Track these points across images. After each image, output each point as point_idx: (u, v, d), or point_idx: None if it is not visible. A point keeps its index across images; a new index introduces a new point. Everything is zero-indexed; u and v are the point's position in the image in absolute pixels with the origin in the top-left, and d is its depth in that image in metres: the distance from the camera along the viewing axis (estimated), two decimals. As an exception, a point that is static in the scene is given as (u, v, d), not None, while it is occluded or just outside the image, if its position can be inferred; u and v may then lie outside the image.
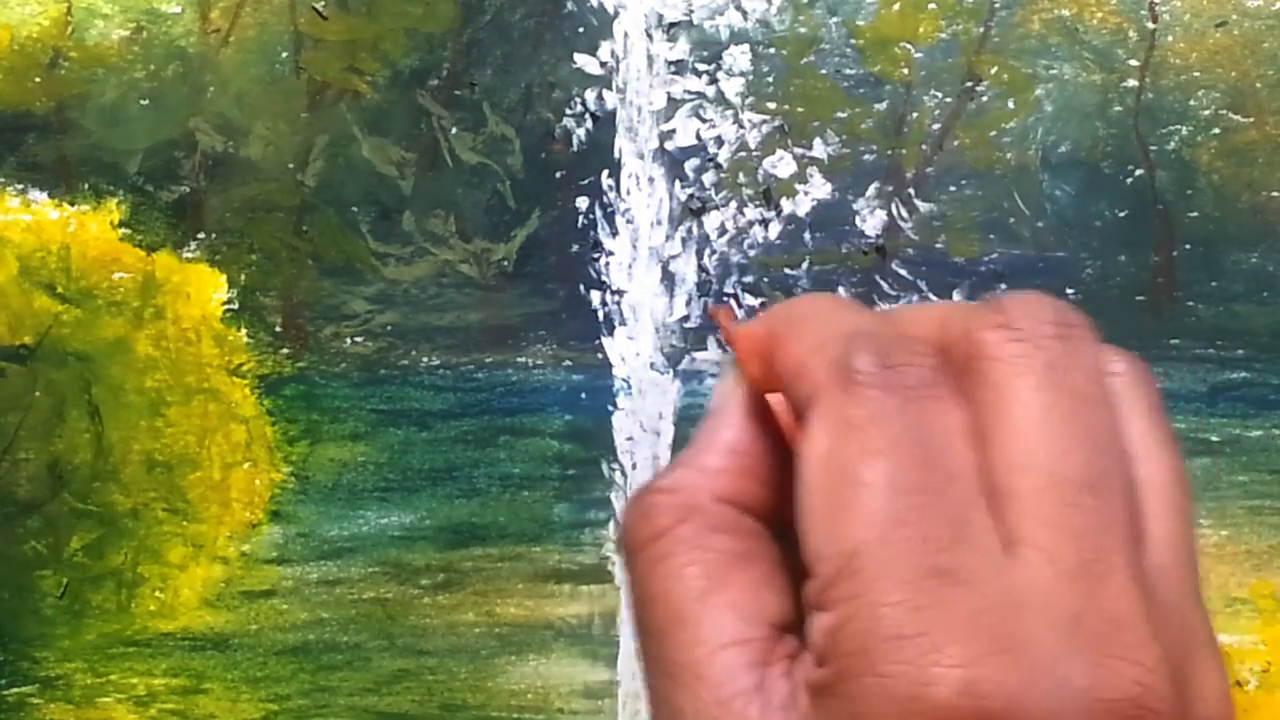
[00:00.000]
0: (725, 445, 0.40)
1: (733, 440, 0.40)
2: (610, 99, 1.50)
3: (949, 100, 1.52)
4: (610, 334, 1.50)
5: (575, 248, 1.51)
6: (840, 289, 1.50)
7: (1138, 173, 1.52)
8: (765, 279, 1.50)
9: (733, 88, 1.50)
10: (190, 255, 1.53)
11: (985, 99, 1.52)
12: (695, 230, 1.50)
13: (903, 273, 1.49)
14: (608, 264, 1.50)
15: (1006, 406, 0.36)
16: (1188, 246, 1.52)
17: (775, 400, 0.40)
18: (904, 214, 1.50)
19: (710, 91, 1.50)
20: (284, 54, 1.55)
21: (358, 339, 1.54)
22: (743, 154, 1.50)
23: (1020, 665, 0.33)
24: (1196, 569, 0.37)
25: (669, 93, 1.50)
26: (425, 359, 1.55)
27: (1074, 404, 0.36)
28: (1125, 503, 0.36)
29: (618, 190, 1.50)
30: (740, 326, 0.40)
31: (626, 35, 1.50)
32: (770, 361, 0.39)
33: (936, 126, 1.51)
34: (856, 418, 0.36)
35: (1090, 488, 0.35)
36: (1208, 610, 0.37)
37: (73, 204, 1.53)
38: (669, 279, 1.49)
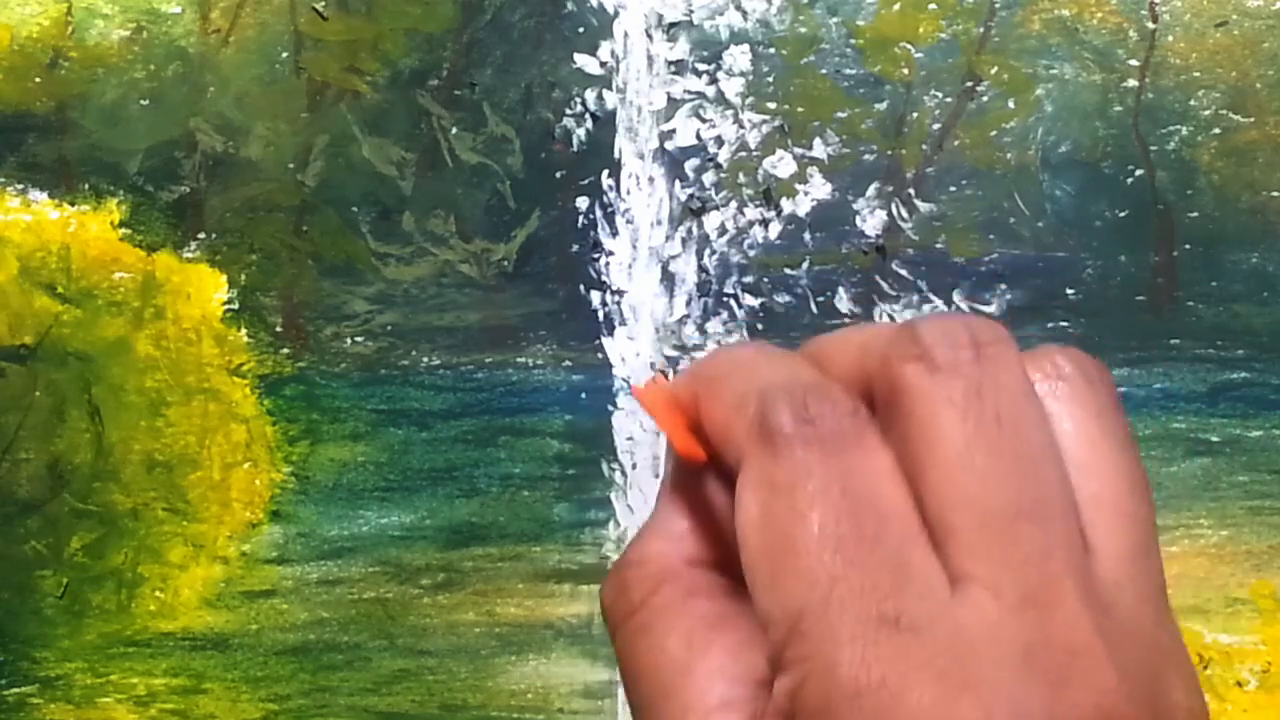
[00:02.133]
0: (687, 509, 0.39)
1: (693, 504, 0.39)
2: (610, 99, 1.50)
3: (949, 100, 1.52)
4: (610, 334, 1.50)
5: (575, 248, 1.51)
6: (840, 289, 1.50)
7: (1138, 173, 1.52)
8: (765, 279, 1.50)
9: (733, 88, 1.50)
10: (190, 255, 1.53)
11: (985, 99, 1.51)
12: (695, 230, 1.50)
13: (903, 273, 1.49)
14: (608, 264, 1.50)
15: (931, 441, 0.35)
16: (1188, 246, 1.52)
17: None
18: (904, 214, 1.50)
19: (710, 91, 1.50)
20: (284, 54, 1.55)
21: (358, 339, 1.54)
22: (743, 154, 1.50)
23: (979, 705, 0.32)
24: (1159, 577, 0.36)
25: (669, 93, 1.50)
26: (425, 359, 1.55)
27: (999, 431, 0.35)
28: (1066, 525, 0.35)
29: (618, 190, 1.50)
30: (661, 400, 0.40)
31: (626, 35, 1.50)
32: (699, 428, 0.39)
33: (937, 126, 1.51)
34: (780, 478, 0.35)
35: (1026, 516, 0.34)
36: (1175, 621, 0.36)
37: (73, 204, 1.53)
38: (669, 279, 1.49)
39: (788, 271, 1.50)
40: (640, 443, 1.50)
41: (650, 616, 0.38)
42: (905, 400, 0.36)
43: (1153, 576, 0.36)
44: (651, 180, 1.50)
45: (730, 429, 0.37)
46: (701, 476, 0.40)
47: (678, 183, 1.50)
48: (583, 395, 1.52)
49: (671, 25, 1.51)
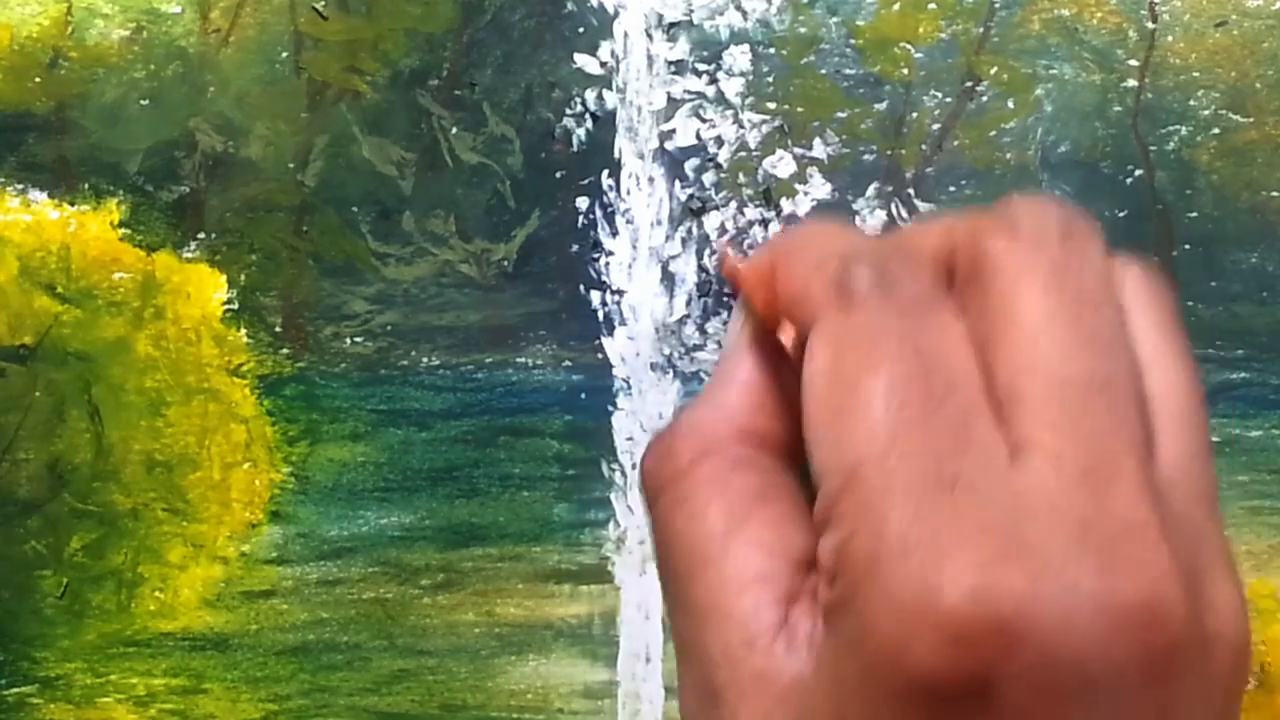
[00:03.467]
0: (741, 382, 0.39)
1: (748, 377, 0.39)
2: (610, 99, 1.50)
3: (949, 100, 1.52)
4: (610, 334, 1.50)
5: (575, 248, 1.51)
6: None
7: (1137, 173, 1.52)
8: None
9: (733, 88, 1.50)
10: (190, 255, 1.53)
11: (985, 99, 1.52)
12: (695, 230, 1.50)
13: (902, 273, 1.49)
14: (608, 264, 1.50)
15: (1012, 309, 0.36)
16: (1187, 246, 1.52)
17: (785, 333, 0.40)
18: (904, 214, 1.50)
19: (710, 91, 1.50)
20: (284, 54, 1.55)
21: (358, 339, 1.54)
22: (743, 154, 1.50)
23: (1028, 570, 0.32)
24: (1213, 483, 0.37)
25: (669, 93, 1.50)
26: (425, 359, 1.55)
27: (1082, 306, 0.36)
28: (1135, 408, 0.35)
29: (618, 190, 1.50)
30: (743, 260, 0.40)
31: (626, 35, 1.50)
32: (774, 291, 0.39)
33: (936, 127, 1.51)
34: (854, 333, 0.35)
35: (1099, 390, 0.35)
36: (1222, 526, 0.36)
37: (73, 204, 1.53)
38: (669, 279, 1.49)
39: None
40: (640, 443, 1.50)
41: (693, 485, 0.38)
42: (988, 270, 0.36)
43: (1208, 479, 0.37)
44: (651, 180, 1.50)
45: (807, 288, 0.37)
46: (761, 349, 0.40)
47: (678, 183, 1.50)
48: (583, 395, 1.52)
49: (671, 25, 1.51)
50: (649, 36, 1.50)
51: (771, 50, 1.51)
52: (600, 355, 1.50)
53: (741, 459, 0.38)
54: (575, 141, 1.50)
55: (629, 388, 1.50)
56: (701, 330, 1.50)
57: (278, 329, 1.54)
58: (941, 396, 0.34)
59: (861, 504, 0.34)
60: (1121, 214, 1.52)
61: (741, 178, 1.50)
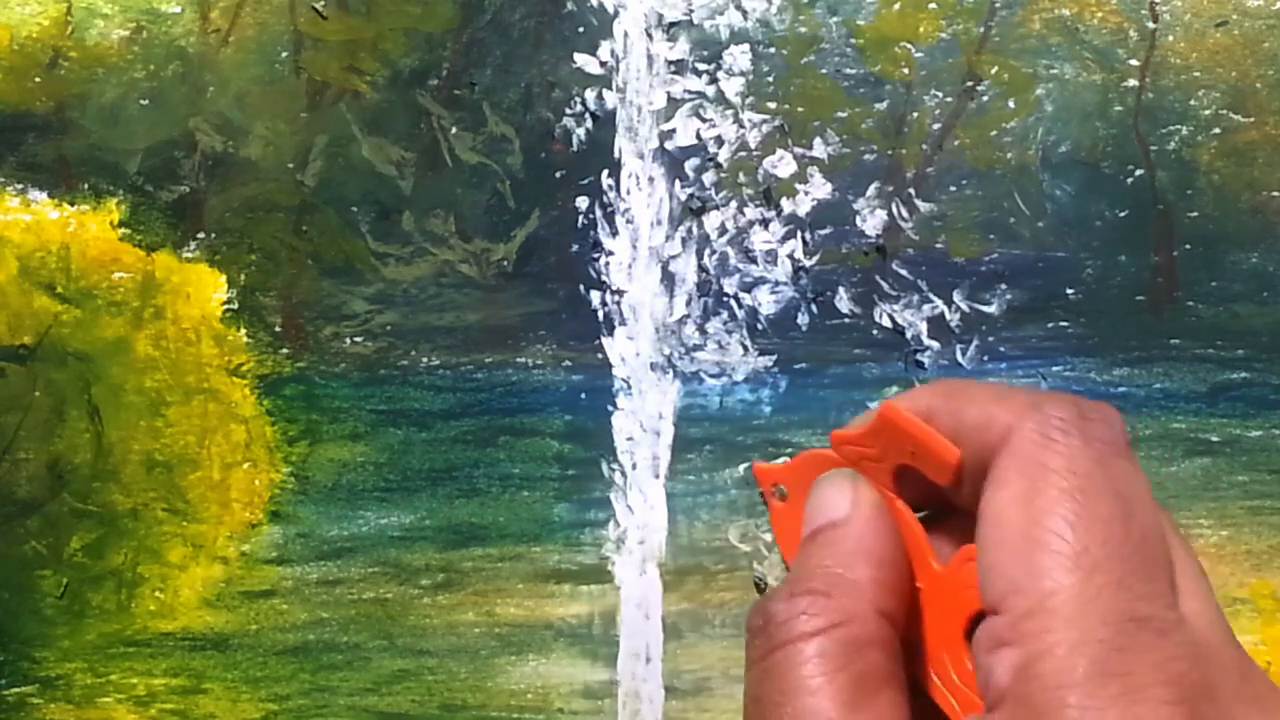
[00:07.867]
0: (876, 557, 0.39)
1: (880, 553, 0.39)
2: (610, 98, 1.50)
3: (949, 100, 1.51)
4: (610, 334, 1.49)
5: (575, 248, 1.51)
6: (840, 289, 1.50)
7: (1138, 173, 1.52)
8: (765, 279, 1.50)
9: (733, 87, 1.50)
10: (190, 255, 1.53)
11: (985, 99, 1.51)
12: (695, 230, 1.50)
13: (903, 273, 1.49)
14: (608, 264, 1.50)
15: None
16: (1188, 246, 1.52)
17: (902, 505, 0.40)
18: (904, 214, 1.50)
19: (710, 91, 1.50)
20: (284, 54, 1.55)
21: (357, 339, 1.54)
22: (743, 154, 1.50)
23: (1213, 712, 0.34)
24: None
25: (669, 92, 1.50)
26: (425, 359, 1.55)
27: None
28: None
29: (618, 190, 1.50)
30: (899, 403, 0.41)
31: (626, 35, 1.50)
32: (939, 426, 0.39)
33: (937, 126, 1.51)
34: (1055, 463, 0.36)
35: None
36: None
37: (72, 204, 1.53)
38: (669, 279, 1.49)
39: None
40: (640, 443, 1.50)
41: (828, 647, 0.39)
42: None
43: None
44: (651, 180, 1.50)
45: (995, 415, 0.38)
46: (885, 527, 0.40)
47: (678, 182, 1.50)
48: (583, 395, 1.52)
49: (671, 25, 1.50)
50: (649, 36, 1.50)
51: (772, 50, 1.51)
52: (600, 355, 1.50)
53: (877, 636, 0.39)
54: (575, 141, 1.50)
55: (629, 388, 1.50)
56: (701, 330, 1.50)
57: (277, 329, 1.54)
58: (1136, 540, 0.36)
59: (1054, 626, 0.35)
60: (1122, 214, 1.52)
61: (742, 177, 1.50)
